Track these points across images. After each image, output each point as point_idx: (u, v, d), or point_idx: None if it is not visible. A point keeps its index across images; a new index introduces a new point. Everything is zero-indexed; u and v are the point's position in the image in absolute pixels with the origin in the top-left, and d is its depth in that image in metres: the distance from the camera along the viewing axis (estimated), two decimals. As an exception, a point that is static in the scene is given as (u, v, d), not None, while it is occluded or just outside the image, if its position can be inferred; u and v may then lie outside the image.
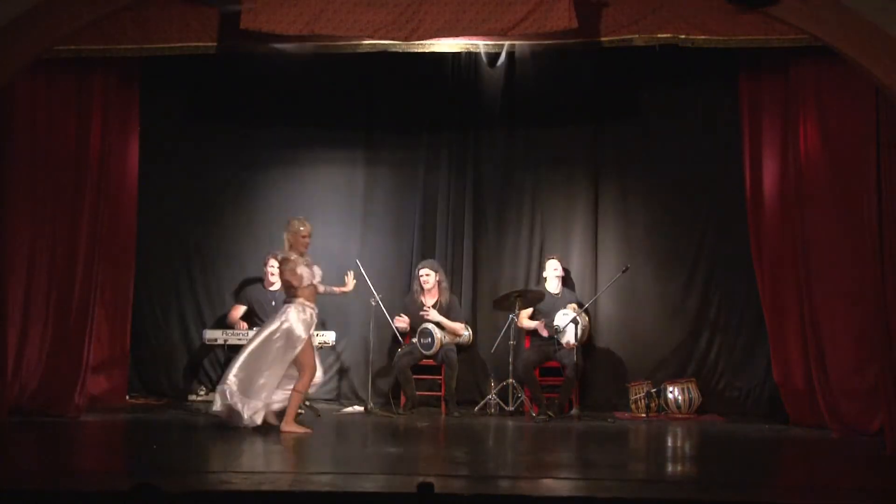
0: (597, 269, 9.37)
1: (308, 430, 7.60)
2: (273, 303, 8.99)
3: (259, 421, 7.56)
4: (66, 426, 7.86)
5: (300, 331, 7.60)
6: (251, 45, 7.88)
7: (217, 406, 7.59)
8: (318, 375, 7.90)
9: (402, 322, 8.98)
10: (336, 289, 8.27)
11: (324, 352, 8.77)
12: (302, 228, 7.77)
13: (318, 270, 7.83)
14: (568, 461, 7.10)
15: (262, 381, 7.60)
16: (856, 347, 7.93)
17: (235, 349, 8.67)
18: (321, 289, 7.91)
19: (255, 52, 8.11)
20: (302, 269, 7.67)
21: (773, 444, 7.86)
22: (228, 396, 7.51)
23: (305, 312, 7.68)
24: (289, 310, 7.67)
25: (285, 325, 7.62)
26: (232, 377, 7.55)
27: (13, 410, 7.91)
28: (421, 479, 5.09)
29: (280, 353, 7.62)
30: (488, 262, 9.54)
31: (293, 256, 7.73)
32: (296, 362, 7.66)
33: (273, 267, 8.94)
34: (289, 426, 7.56)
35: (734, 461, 7.12)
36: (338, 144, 9.63)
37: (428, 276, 8.94)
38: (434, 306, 9.01)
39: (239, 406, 7.50)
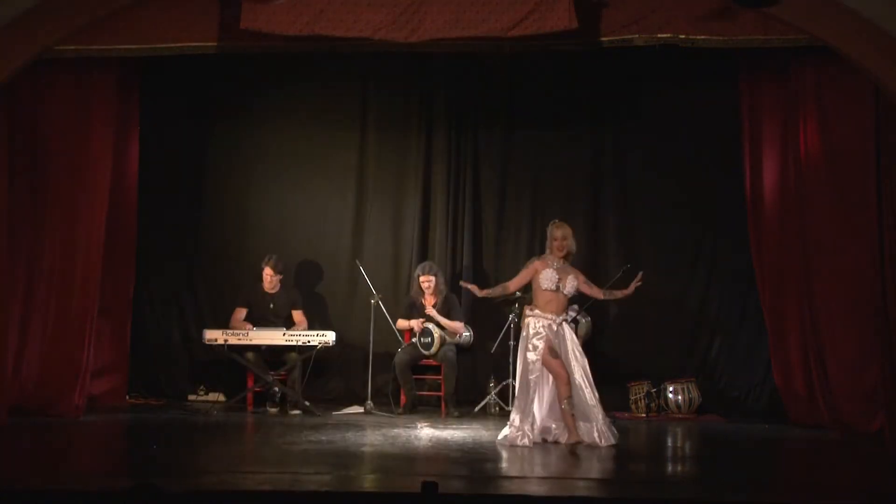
0: (597, 269, 9.37)
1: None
2: (271, 305, 9.00)
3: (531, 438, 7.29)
4: (65, 426, 7.86)
5: (532, 345, 7.33)
6: (251, 45, 7.87)
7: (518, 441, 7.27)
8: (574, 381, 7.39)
9: (415, 324, 8.93)
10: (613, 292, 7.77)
11: (324, 352, 8.75)
12: (557, 232, 7.44)
13: (571, 281, 7.36)
14: (568, 461, 7.09)
15: (535, 402, 7.38)
16: (856, 348, 7.93)
17: (236, 349, 8.69)
18: (565, 293, 7.40)
19: (255, 51, 8.11)
20: (545, 273, 7.36)
21: (773, 444, 7.86)
22: (519, 440, 7.24)
23: (538, 323, 7.34)
24: (527, 324, 7.39)
25: (525, 341, 7.36)
26: (514, 426, 7.29)
27: (13, 410, 7.90)
28: (422, 478, 5.08)
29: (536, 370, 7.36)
30: (488, 262, 9.53)
31: (548, 258, 7.43)
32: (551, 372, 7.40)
33: (270, 274, 8.92)
34: (573, 437, 7.32)
35: (734, 461, 7.12)
36: (337, 145, 9.63)
37: (430, 283, 8.91)
38: (433, 307, 9.00)
39: (527, 432, 7.25)
